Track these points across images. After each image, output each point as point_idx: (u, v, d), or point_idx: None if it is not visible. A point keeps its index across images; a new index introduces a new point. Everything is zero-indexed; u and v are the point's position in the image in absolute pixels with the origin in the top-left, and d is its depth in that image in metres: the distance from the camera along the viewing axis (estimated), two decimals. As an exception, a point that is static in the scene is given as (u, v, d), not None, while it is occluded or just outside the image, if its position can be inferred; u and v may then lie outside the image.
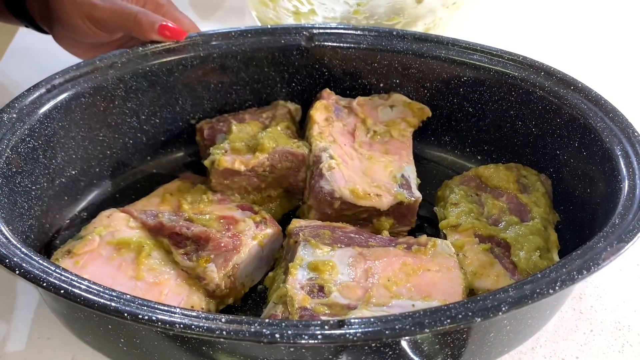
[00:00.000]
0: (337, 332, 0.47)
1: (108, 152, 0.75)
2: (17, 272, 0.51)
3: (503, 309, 0.49)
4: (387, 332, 0.47)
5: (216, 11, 1.13)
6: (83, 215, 0.73)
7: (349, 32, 0.78)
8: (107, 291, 0.50)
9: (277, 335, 0.46)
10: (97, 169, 0.75)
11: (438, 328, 0.47)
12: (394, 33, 0.77)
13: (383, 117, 0.77)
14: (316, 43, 0.78)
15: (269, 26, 0.79)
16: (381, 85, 0.79)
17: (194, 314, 0.48)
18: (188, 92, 0.78)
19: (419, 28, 0.95)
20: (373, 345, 0.50)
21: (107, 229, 0.64)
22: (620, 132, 0.65)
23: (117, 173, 0.77)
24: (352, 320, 0.48)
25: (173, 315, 0.48)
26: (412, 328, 0.47)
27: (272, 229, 0.66)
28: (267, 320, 0.48)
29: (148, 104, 0.76)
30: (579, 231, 0.67)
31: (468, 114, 0.78)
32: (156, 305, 0.49)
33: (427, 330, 0.47)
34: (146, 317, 0.47)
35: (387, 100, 0.78)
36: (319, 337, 0.47)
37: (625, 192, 0.59)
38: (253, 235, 0.64)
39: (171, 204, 0.69)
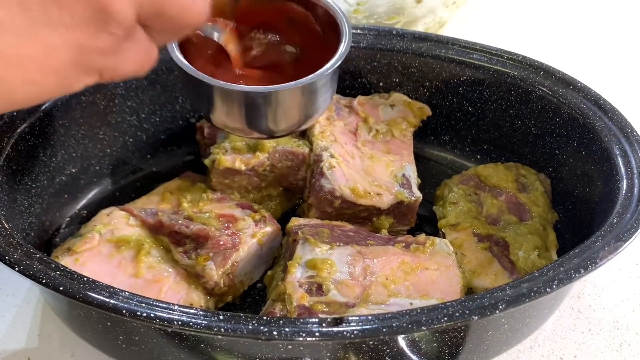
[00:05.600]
0: (335, 329, 0.47)
1: (108, 150, 0.75)
2: (17, 269, 0.52)
3: (500, 307, 0.49)
4: (384, 329, 0.47)
5: (217, 10, 1.13)
6: (83, 213, 0.73)
7: (349, 31, 0.78)
8: (106, 288, 0.50)
9: (274, 333, 0.47)
10: (97, 167, 0.75)
11: (435, 326, 0.48)
12: (394, 32, 0.77)
13: (384, 117, 0.77)
14: (316, 42, 0.78)
15: (269, 25, 0.79)
16: (381, 84, 0.79)
17: (192, 311, 0.48)
18: (188, 90, 0.78)
19: (419, 27, 0.95)
20: (371, 342, 0.50)
21: (107, 227, 0.64)
22: (619, 132, 0.65)
23: (117, 171, 0.77)
24: (350, 318, 0.48)
25: (171, 312, 0.48)
26: (410, 326, 0.48)
27: (272, 227, 0.66)
28: (264, 318, 0.48)
29: (148, 102, 0.76)
30: (578, 230, 0.67)
31: (467, 113, 0.78)
32: (154, 303, 0.49)
33: (424, 328, 0.48)
34: (144, 314, 0.48)
35: (387, 99, 0.78)
36: (317, 334, 0.47)
37: (624, 191, 0.59)
38: (252, 233, 0.64)
39: (171, 202, 0.70)
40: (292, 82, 0.53)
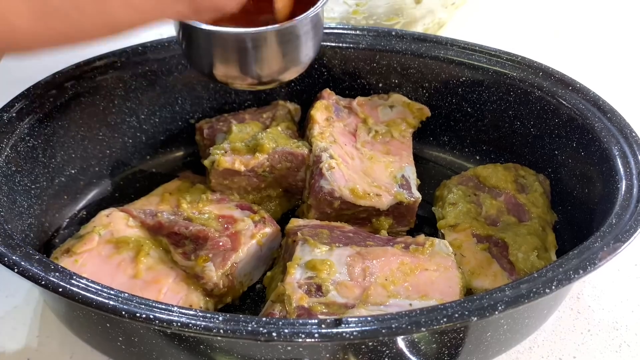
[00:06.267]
0: (334, 330, 0.47)
1: (107, 151, 0.75)
2: (16, 270, 0.52)
3: (499, 308, 0.49)
4: (383, 330, 0.47)
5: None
6: (82, 214, 0.73)
7: (348, 32, 0.78)
8: (105, 289, 0.50)
9: (274, 334, 0.47)
10: (97, 168, 0.75)
11: (434, 327, 0.48)
12: (393, 33, 0.77)
13: (383, 117, 0.77)
14: (315, 43, 0.78)
15: (269, 26, 0.79)
16: (380, 85, 0.79)
17: (192, 312, 0.49)
18: (187, 91, 0.78)
19: (418, 28, 0.95)
20: (370, 344, 0.50)
21: (107, 228, 0.64)
22: (618, 133, 0.65)
23: (116, 172, 0.77)
24: (349, 319, 0.48)
25: (171, 313, 0.48)
26: (409, 327, 0.48)
27: (271, 228, 0.66)
28: (264, 319, 0.48)
29: (147, 103, 0.76)
30: (577, 231, 0.67)
31: (467, 114, 0.78)
32: (154, 304, 0.49)
33: (423, 329, 0.48)
34: (144, 316, 0.48)
35: (386, 100, 0.78)
36: (316, 335, 0.47)
37: (623, 192, 0.60)
38: (252, 234, 0.64)
39: (170, 203, 0.70)
40: (277, 25, 0.60)
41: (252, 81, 0.63)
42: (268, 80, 0.64)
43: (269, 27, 0.60)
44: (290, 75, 0.65)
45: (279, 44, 0.61)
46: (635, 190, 0.59)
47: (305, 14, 0.61)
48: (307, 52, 0.64)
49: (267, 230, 0.65)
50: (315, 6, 0.62)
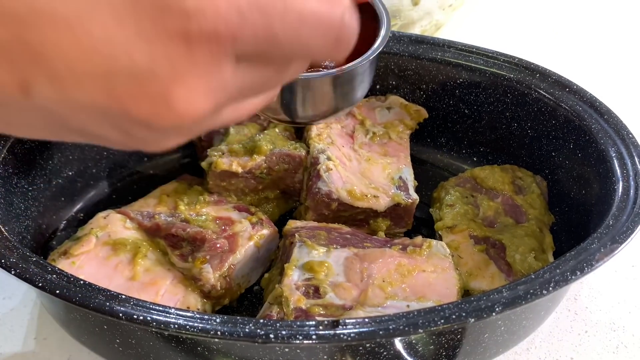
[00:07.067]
0: (332, 332, 0.47)
1: (105, 153, 0.75)
2: (13, 272, 0.51)
3: (496, 309, 0.49)
4: (381, 332, 0.47)
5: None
6: (80, 216, 0.73)
7: (346, 34, 0.78)
8: (102, 291, 0.50)
9: (271, 336, 0.47)
10: (94, 170, 0.75)
11: (432, 328, 0.48)
12: (390, 35, 0.77)
13: (381, 119, 0.78)
14: (313, 45, 0.78)
15: (266, 28, 0.79)
16: (378, 87, 0.79)
17: (189, 314, 0.48)
18: (185, 93, 0.78)
19: (415, 30, 0.96)
20: (367, 345, 0.50)
21: (104, 230, 0.64)
22: (614, 134, 0.65)
23: (114, 174, 0.77)
24: (347, 321, 0.48)
25: (168, 315, 0.48)
26: (406, 328, 0.48)
27: (269, 229, 0.66)
28: (261, 321, 0.48)
29: (145, 105, 0.76)
30: (574, 232, 0.68)
31: (464, 115, 0.78)
32: (151, 306, 0.49)
33: (420, 331, 0.48)
34: (141, 318, 0.48)
35: (384, 102, 0.78)
36: (313, 337, 0.47)
37: (620, 193, 0.60)
38: (249, 236, 0.64)
39: (168, 205, 0.70)
40: (332, 70, 0.49)
41: (284, 118, 0.53)
42: (302, 122, 0.54)
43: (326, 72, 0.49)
44: (327, 120, 0.55)
45: (328, 88, 0.51)
46: (632, 191, 0.60)
47: (366, 55, 0.50)
48: (359, 94, 0.54)
49: (265, 231, 0.65)
50: (375, 46, 0.51)
